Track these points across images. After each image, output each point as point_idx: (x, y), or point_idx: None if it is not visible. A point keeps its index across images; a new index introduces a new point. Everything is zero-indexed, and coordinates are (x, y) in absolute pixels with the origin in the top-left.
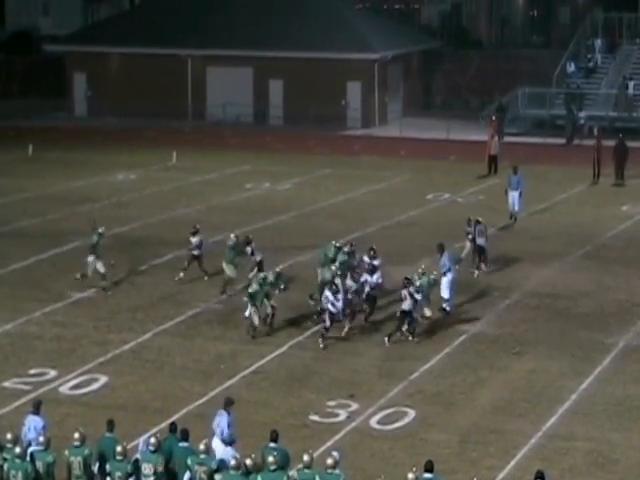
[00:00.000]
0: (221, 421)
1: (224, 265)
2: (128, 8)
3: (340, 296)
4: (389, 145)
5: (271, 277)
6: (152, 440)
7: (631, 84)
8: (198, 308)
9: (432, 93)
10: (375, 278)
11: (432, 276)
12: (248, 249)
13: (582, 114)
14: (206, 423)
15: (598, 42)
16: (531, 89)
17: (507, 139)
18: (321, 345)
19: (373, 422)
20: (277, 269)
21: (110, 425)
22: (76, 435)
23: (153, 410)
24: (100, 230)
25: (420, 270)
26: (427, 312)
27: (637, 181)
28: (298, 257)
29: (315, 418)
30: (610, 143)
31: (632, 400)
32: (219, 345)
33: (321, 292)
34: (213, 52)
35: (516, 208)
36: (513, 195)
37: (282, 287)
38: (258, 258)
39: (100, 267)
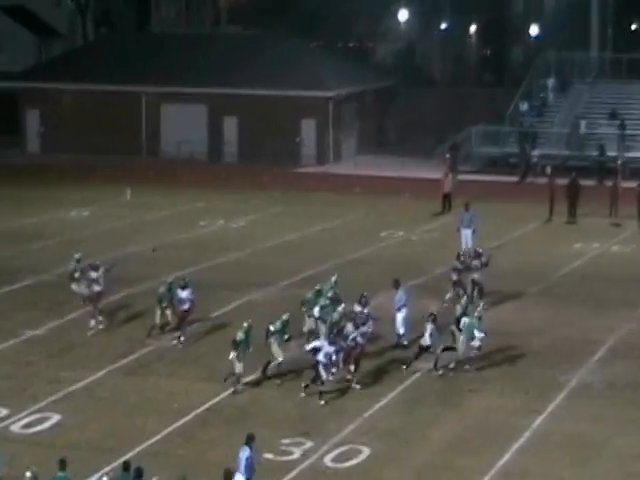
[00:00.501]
0: (242, 456)
1: (156, 308)
2: (82, 45)
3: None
4: (343, 182)
5: (278, 324)
6: (105, 479)
7: (583, 123)
8: (151, 346)
9: (386, 131)
10: (366, 328)
11: (477, 313)
12: (185, 293)
13: (535, 152)
14: (160, 461)
15: (551, 81)
16: (484, 127)
17: (461, 177)
18: (322, 402)
19: (327, 460)
20: (285, 316)
21: (62, 464)
22: (27, 474)
23: (106, 449)
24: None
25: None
26: (476, 342)
27: (589, 219)
28: (252, 294)
29: (269, 456)
30: (563, 181)
31: (585, 437)
32: (173, 383)
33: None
34: (167, 89)
35: (469, 245)
36: (466, 233)
37: (287, 337)
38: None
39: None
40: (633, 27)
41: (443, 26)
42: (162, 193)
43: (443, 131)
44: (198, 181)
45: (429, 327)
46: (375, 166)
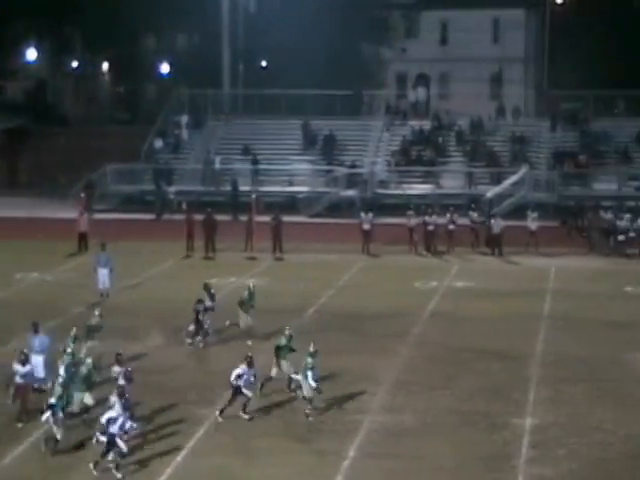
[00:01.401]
0: None
1: None
2: None
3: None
4: None
5: (54, 400)
6: None
7: (217, 159)
8: None
9: (18, 171)
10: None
11: (310, 361)
12: None
13: (171, 189)
14: None
15: (184, 118)
16: (119, 165)
17: (97, 216)
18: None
19: None
20: (58, 386)
21: None
22: None
23: None
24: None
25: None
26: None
27: (226, 254)
28: None
29: None
30: (200, 217)
31: (225, 470)
32: None
33: None
34: None
35: (107, 285)
36: (102, 272)
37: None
38: None
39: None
40: (264, 64)
41: (75, 64)
42: None
43: (78, 170)
44: None
45: (242, 369)
46: (6, 208)
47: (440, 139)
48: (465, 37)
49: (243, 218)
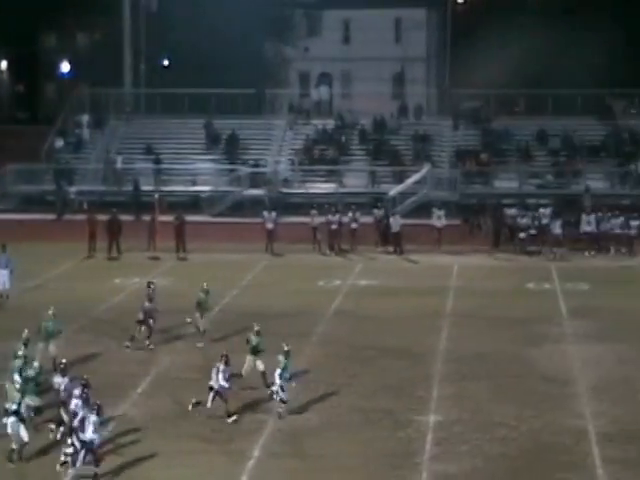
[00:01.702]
0: None
1: None
2: None
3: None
4: None
5: (13, 406)
6: None
7: (119, 158)
8: None
9: None
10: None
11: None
12: None
13: (72, 189)
14: None
15: (85, 117)
16: (19, 165)
17: None
18: None
19: None
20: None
21: None
22: None
23: None
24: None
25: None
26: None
27: (129, 254)
28: None
29: None
30: (103, 217)
31: (131, 471)
32: None
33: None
34: None
35: (7, 286)
36: (2, 273)
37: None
38: None
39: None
40: (166, 63)
41: None
42: None
43: None
44: None
45: (222, 368)
46: None
47: (343, 138)
48: (367, 36)
49: (146, 218)
